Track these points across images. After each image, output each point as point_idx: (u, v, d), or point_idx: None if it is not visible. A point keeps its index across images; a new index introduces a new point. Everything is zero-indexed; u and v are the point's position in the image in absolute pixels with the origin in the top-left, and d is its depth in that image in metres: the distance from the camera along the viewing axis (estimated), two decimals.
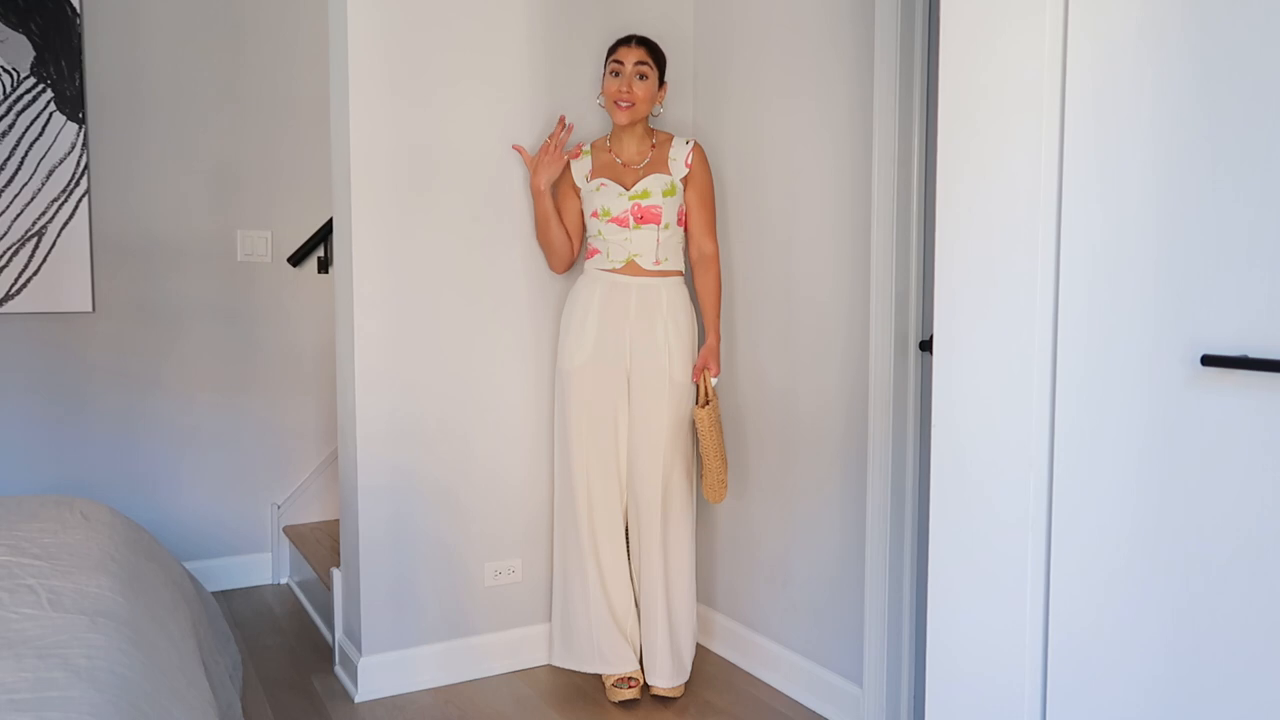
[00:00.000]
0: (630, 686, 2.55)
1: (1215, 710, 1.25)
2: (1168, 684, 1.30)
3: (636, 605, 2.65)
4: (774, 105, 2.60)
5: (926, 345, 2.24)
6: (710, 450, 2.54)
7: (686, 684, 2.63)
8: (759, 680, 2.70)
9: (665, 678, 2.56)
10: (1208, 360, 1.22)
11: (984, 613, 1.52)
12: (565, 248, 2.67)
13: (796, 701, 2.57)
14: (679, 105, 2.91)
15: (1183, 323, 1.26)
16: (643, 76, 2.51)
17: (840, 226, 2.40)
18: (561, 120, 2.64)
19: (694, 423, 2.59)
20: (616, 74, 2.53)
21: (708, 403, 2.56)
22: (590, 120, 2.78)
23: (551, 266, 2.71)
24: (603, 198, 2.56)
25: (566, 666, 2.66)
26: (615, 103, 2.52)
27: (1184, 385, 1.27)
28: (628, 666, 2.58)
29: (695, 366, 2.57)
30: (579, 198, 2.64)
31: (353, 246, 2.51)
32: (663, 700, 2.57)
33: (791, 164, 2.55)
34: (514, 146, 2.65)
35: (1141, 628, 1.33)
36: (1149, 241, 1.30)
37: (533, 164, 2.63)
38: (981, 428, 1.51)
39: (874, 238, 2.26)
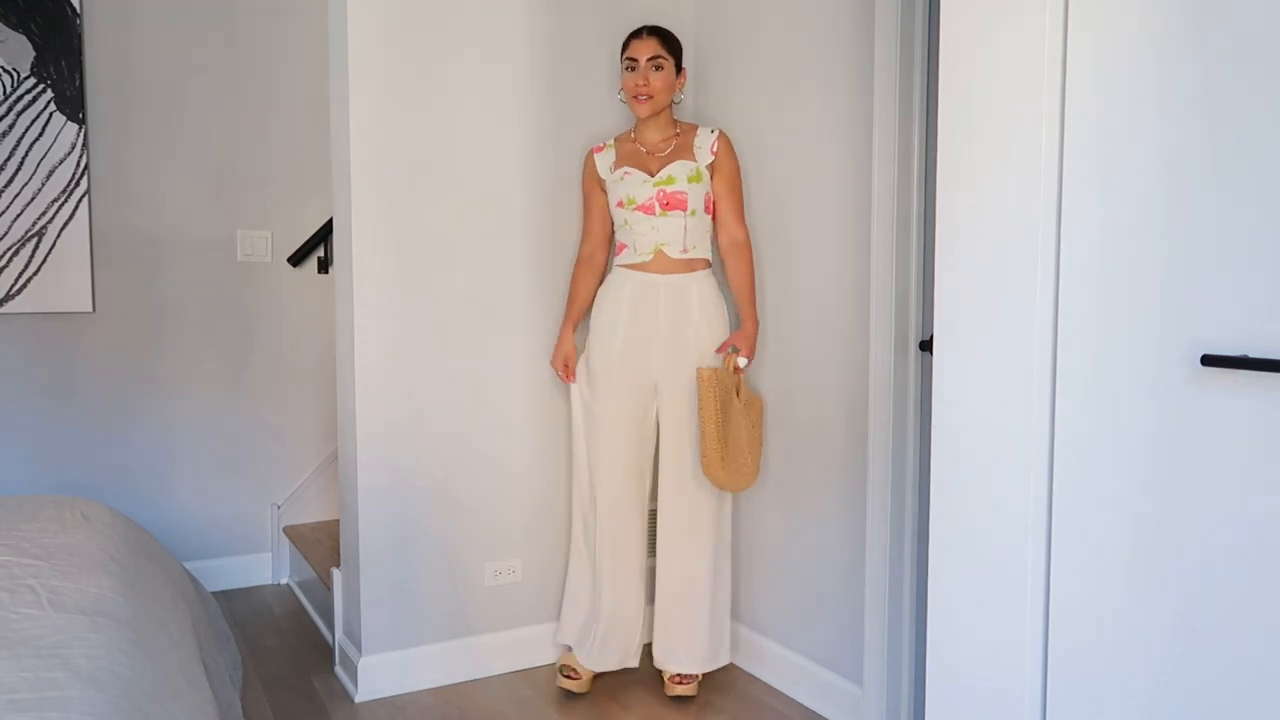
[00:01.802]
0: (572, 678, 2.57)
1: (1216, 713, 1.25)
2: (1168, 684, 1.30)
3: (649, 604, 2.66)
4: (774, 104, 2.60)
5: (926, 345, 2.24)
6: (707, 416, 2.41)
7: None
8: (759, 680, 2.70)
9: (700, 662, 2.57)
10: (1208, 360, 1.22)
11: (984, 613, 1.52)
12: (599, 275, 2.67)
13: (796, 701, 2.57)
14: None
15: (1183, 322, 1.26)
16: (658, 68, 2.50)
17: (840, 226, 2.40)
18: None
19: (695, 383, 2.47)
20: (632, 68, 2.51)
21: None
22: (590, 114, 2.78)
23: None
24: (627, 186, 2.53)
25: (568, 646, 2.67)
26: (634, 97, 2.51)
27: (1184, 385, 1.27)
28: (627, 664, 2.59)
29: (723, 342, 2.52)
30: (604, 191, 2.62)
31: (353, 247, 2.51)
32: (666, 700, 2.56)
33: (791, 164, 2.54)
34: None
35: (1142, 628, 1.33)
36: (1149, 241, 1.30)
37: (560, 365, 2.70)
38: (981, 428, 1.51)
39: (874, 238, 2.26)
